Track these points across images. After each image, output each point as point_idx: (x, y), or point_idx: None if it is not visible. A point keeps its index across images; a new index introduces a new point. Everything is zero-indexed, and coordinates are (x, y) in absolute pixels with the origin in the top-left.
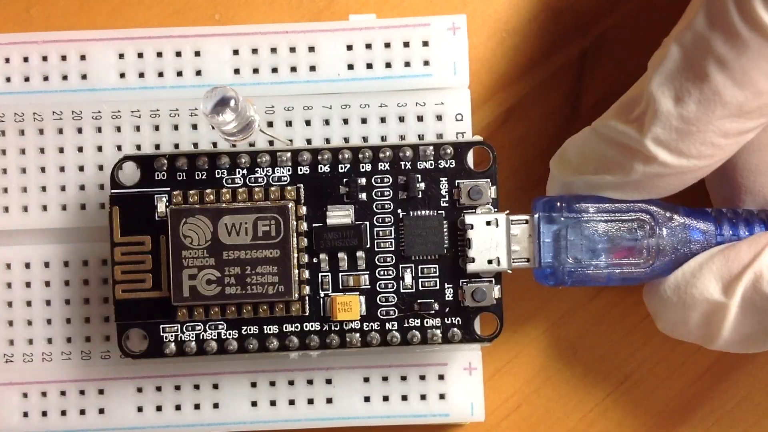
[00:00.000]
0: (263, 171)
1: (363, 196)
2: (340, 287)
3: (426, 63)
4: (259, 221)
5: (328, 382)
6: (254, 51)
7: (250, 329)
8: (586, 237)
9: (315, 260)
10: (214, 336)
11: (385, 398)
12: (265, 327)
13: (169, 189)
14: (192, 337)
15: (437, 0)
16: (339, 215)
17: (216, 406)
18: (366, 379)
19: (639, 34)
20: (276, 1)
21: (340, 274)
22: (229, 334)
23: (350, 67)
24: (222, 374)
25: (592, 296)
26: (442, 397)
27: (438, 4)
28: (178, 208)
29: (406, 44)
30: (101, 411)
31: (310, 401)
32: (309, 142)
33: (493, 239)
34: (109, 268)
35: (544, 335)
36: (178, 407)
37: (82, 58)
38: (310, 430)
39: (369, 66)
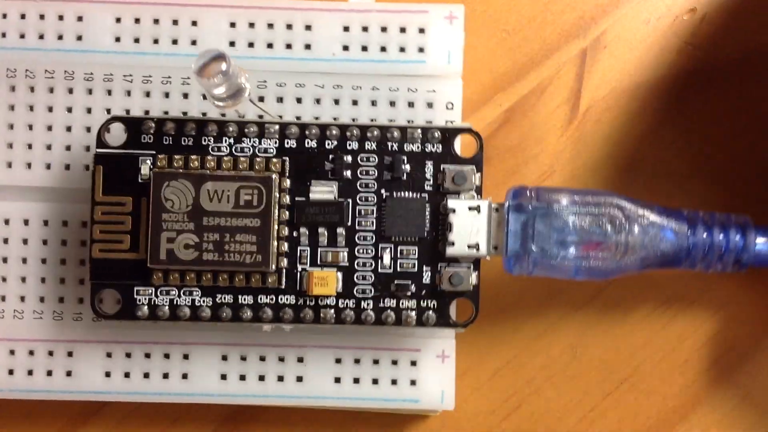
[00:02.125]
0: (250, 141)
1: (348, 173)
2: (318, 262)
3: (421, 50)
4: (241, 190)
5: (300, 360)
6: (251, 25)
7: (224, 298)
8: (555, 228)
9: (295, 234)
10: (188, 302)
11: (356, 380)
12: (239, 297)
13: (154, 152)
14: (165, 302)
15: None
16: (322, 191)
17: (185, 376)
18: (338, 360)
19: (639, 34)
20: None
21: (319, 249)
22: (203, 302)
23: (345, 48)
24: (193, 344)
25: (592, 296)
26: (413, 383)
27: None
28: (161, 171)
29: (403, 30)
30: (68, 373)
31: (281, 378)
32: (298, 119)
33: (474, 225)
34: (88, 230)
35: (544, 335)
36: (146, 375)
37: (79, 19)
38: (279, 407)
39: (364, 48)
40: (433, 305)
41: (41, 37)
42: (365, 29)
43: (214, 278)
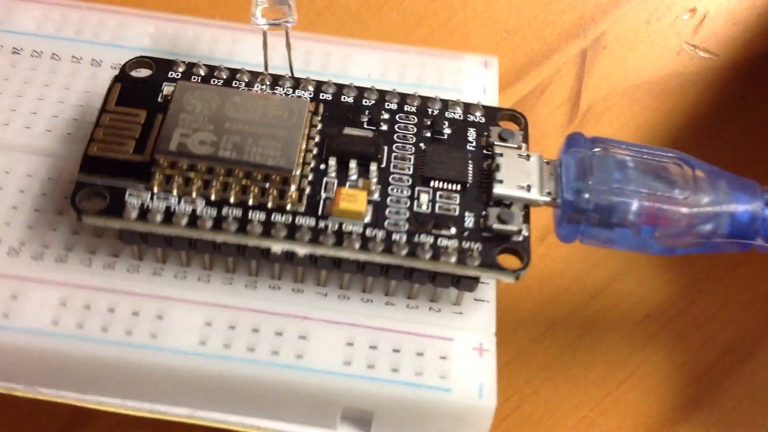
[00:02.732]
0: (283, 90)
1: (385, 127)
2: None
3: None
4: (271, 106)
5: (302, 338)
6: None
7: (232, 211)
8: (615, 179)
9: (322, 166)
10: (188, 211)
11: (370, 367)
12: (250, 212)
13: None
14: (161, 207)
15: (437, 0)
16: (357, 132)
17: (153, 336)
18: (350, 344)
19: (639, 34)
20: None
21: (348, 183)
22: (206, 212)
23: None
24: (171, 300)
25: (592, 296)
26: (442, 375)
27: (438, 3)
28: (186, 83)
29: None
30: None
31: (275, 353)
32: None
33: (525, 169)
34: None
35: (544, 335)
36: (104, 329)
37: None
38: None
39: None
40: (477, 247)
41: None
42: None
43: (224, 189)
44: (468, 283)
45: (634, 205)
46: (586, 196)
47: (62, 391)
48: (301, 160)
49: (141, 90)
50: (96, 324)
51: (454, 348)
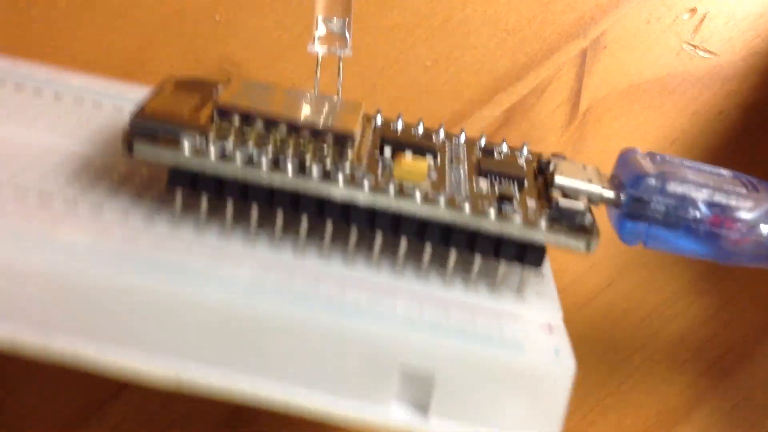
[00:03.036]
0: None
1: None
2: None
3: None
4: (326, 99)
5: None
6: None
7: (290, 161)
8: (675, 167)
9: (378, 154)
10: (245, 154)
11: (434, 325)
12: (308, 163)
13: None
14: (217, 148)
15: (437, 0)
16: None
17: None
18: (409, 309)
19: (639, 34)
20: (277, 1)
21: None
22: (264, 157)
23: None
24: (215, 256)
25: (592, 296)
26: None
27: (438, 3)
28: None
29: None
30: None
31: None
32: None
33: (582, 171)
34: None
35: None
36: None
37: None
38: None
39: None
40: (544, 217)
41: None
42: None
43: (282, 145)
44: (534, 256)
45: (700, 198)
46: (652, 183)
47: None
48: (359, 134)
49: (196, 85)
50: (132, 261)
51: (521, 324)
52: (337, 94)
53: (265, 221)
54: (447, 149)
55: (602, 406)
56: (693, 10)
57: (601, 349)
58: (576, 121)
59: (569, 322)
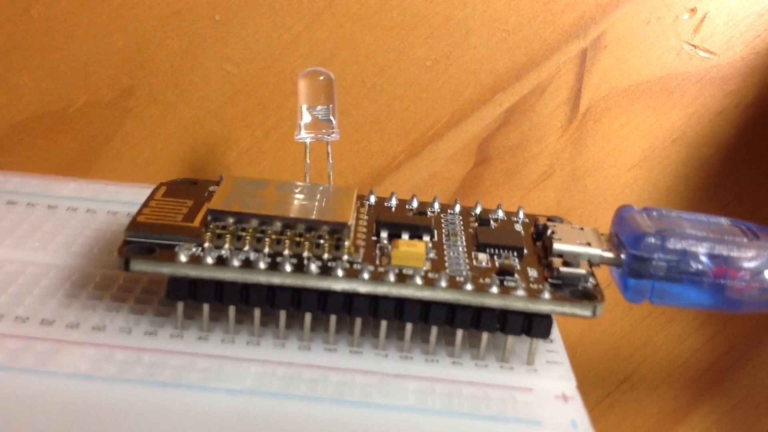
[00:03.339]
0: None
1: (433, 222)
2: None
3: None
4: (318, 189)
5: (366, 386)
6: None
7: (287, 259)
8: (674, 221)
9: (374, 238)
10: (241, 258)
11: (447, 406)
12: (306, 260)
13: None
14: (213, 255)
15: (437, 0)
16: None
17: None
18: (421, 393)
19: (639, 34)
20: (277, 1)
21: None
22: (260, 258)
23: None
24: (217, 358)
25: None
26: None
27: (438, 3)
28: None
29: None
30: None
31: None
32: None
33: (580, 234)
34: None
35: None
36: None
37: None
38: None
39: None
40: (547, 287)
41: None
42: None
43: (277, 243)
44: (541, 326)
45: (701, 251)
46: (651, 241)
47: None
48: (354, 221)
49: (188, 189)
50: (139, 370)
51: (535, 396)
52: (329, 181)
53: (268, 318)
54: (443, 222)
55: (602, 406)
56: (693, 10)
57: (601, 349)
58: (576, 121)
59: (570, 321)
